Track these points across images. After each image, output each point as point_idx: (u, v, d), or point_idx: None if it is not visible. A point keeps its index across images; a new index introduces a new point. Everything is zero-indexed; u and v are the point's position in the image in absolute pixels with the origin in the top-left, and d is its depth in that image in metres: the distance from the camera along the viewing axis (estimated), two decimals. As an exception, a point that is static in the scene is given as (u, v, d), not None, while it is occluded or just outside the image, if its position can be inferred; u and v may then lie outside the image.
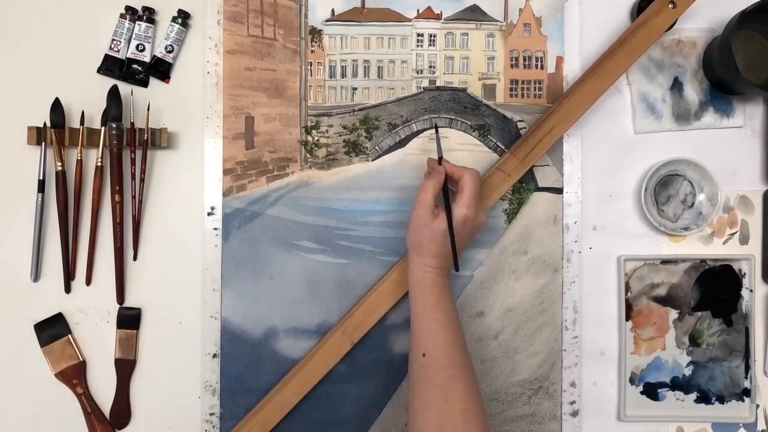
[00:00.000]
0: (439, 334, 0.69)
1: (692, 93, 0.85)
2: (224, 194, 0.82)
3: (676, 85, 0.85)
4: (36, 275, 0.81)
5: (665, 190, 0.85)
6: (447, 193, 0.72)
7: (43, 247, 0.81)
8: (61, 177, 0.79)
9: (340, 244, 0.83)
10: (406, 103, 0.85)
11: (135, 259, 0.82)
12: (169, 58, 0.82)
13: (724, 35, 0.78)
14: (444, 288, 0.72)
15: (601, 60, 0.80)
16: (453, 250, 0.70)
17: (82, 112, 0.79)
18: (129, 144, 0.79)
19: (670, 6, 0.79)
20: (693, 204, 0.84)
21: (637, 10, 0.83)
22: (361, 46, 0.85)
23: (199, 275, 0.82)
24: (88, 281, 0.81)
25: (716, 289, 0.84)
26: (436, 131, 0.79)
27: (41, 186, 0.79)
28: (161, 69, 0.82)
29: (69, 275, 0.81)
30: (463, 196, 0.71)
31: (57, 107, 0.78)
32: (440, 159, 0.75)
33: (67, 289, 0.81)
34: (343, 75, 0.85)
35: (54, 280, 0.81)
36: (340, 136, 0.84)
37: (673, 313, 0.84)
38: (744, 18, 0.76)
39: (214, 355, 0.82)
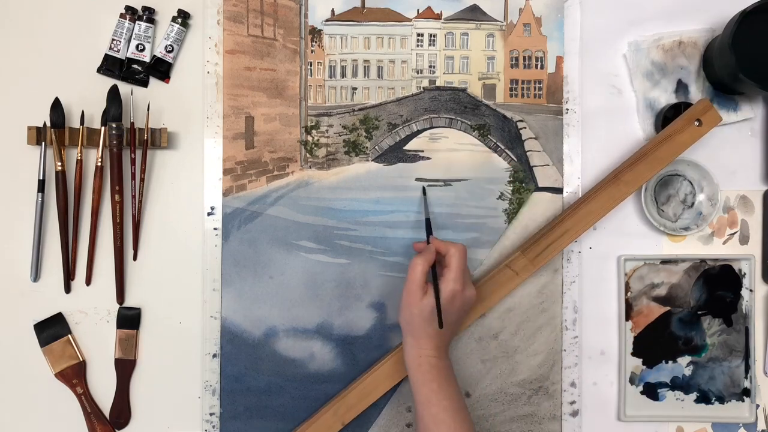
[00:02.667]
0: (449, 423, 0.68)
1: (698, 93, 0.84)
2: (224, 194, 0.82)
3: (681, 88, 0.84)
4: (36, 275, 0.81)
5: (665, 190, 0.85)
6: (434, 268, 0.72)
7: (43, 247, 0.81)
8: (61, 177, 0.79)
9: (340, 244, 0.83)
10: (406, 103, 0.85)
11: (135, 259, 0.82)
12: (169, 58, 0.82)
13: (724, 35, 0.78)
14: (445, 371, 0.71)
15: (621, 170, 0.80)
16: (438, 307, 0.70)
17: (82, 112, 0.79)
18: (129, 144, 0.79)
19: (696, 123, 0.79)
20: (693, 204, 0.84)
21: (663, 120, 0.82)
22: (361, 46, 0.85)
23: (199, 275, 0.82)
24: (88, 281, 0.81)
25: (716, 289, 0.84)
26: (424, 194, 0.79)
27: (41, 186, 0.79)
28: (161, 69, 0.82)
29: (69, 275, 0.81)
30: (450, 271, 0.71)
31: (57, 107, 0.78)
32: (429, 232, 0.75)
33: (67, 289, 0.81)
34: (343, 75, 0.85)
35: (54, 280, 0.81)
36: (340, 136, 0.84)
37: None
38: (744, 18, 0.76)
39: (214, 355, 0.82)
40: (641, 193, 0.82)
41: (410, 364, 0.72)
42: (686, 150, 0.80)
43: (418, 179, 0.83)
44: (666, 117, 0.82)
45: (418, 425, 0.71)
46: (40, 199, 0.79)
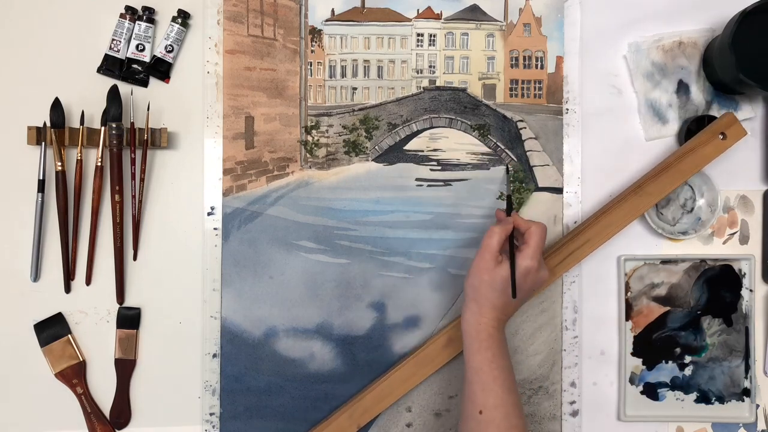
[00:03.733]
0: (498, 393, 0.68)
1: (699, 93, 0.84)
2: (224, 194, 0.82)
3: (682, 88, 0.85)
4: (36, 275, 0.81)
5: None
6: (512, 240, 0.72)
7: (43, 247, 0.81)
8: (61, 177, 0.79)
9: (340, 244, 0.83)
10: (406, 103, 0.85)
11: (135, 259, 0.82)
12: (169, 58, 0.82)
13: (724, 35, 0.78)
14: (500, 343, 0.71)
15: (644, 181, 0.80)
16: (512, 277, 0.70)
17: (82, 112, 0.79)
18: (129, 144, 0.79)
19: (720, 137, 0.79)
20: (692, 209, 0.84)
21: (686, 133, 0.83)
22: (361, 46, 0.85)
23: (199, 275, 0.82)
24: (88, 281, 0.81)
25: (716, 289, 0.84)
26: (507, 172, 0.80)
27: (41, 186, 0.79)
28: (161, 69, 0.82)
29: (69, 275, 0.81)
30: (528, 248, 0.70)
31: (57, 107, 0.78)
32: (509, 210, 0.75)
33: (67, 289, 0.81)
34: (343, 75, 0.85)
35: (54, 280, 0.81)
36: (340, 136, 0.84)
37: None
38: (744, 18, 0.76)
39: (214, 355, 0.82)
40: None
41: (468, 330, 0.71)
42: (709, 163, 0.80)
43: (418, 179, 0.83)
44: (689, 129, 0.82)
45: (465, 390, 0.71)
46: (40, 199, 0.79)
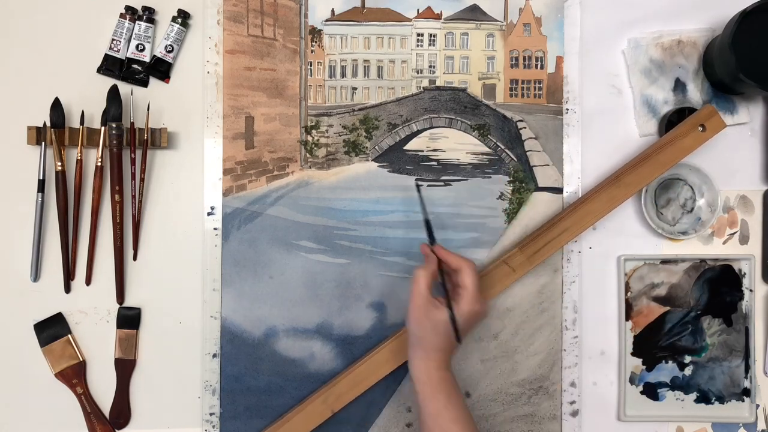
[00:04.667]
0: None
1: (696, 93, 0.84)
2: (224, 194, 0.82)
3: (679, 86, 0.85)
4: (36, 275, 0.81)
5: (665, 194, 0.85)
6: (443, 277, 0.71)
7: (43, 247, 0.81)
8: (61, 177, 0.79)
9: (340, 244, 0.83)
10: (406, 103, 0.85)
11: (135, 259, 0.82)
12: (169, 57, 0.82)
13: (724, 35, 0.78)
14: (452, 383, 0.71)
15: (622, 171, 0.80)
16: (454, 325, 0.68)
17: (82, 112, 0.79)
18: (129, 144, 0.79)
19: (699, 129, 0.79)
20: (692, 209, 0.84)
21: (666, 124, 0.83)
22: (361, 46, 0.85)
23: (199, 275, 0.82)
24: (88, 281, 0.81)
25: (716, 289, 0.84)
26: (418, 191, 0.76)
27: (41, 186, 0.79)
28: (161, 69, 0.82)
29: (69, 275, 0.81)
30: (467, 292, 0.70)
31: (57, 107, 0.78)
32: (431, 236, 0.73)
33: (67, 289, 0.81)
34: (343, 75, 0.85)
35: (54, 280, 0.81)
36: (340, 136, 0.84)
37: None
38: (744, 18, 0.76)
39: (214, 355, 0.82)
40: (641, 195, 0.82)
41: (419, 378, 0.71)
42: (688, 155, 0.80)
43: (417, 179, 0.83)
44: (670, 121, 0.82)
45: None
46: (40, 199, 0.79)
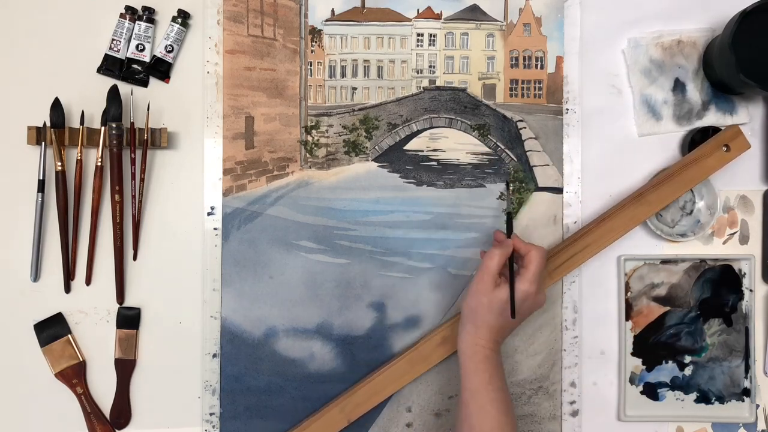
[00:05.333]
0: (494, 416, 0.69)
1: (695, 93, 0.84)
2: (224, 194, 0.82)
3: (678, 86, 0.85)
4: (36, 275, 0.81)
5: None
6: (512, 263, 0.73)
7: (43, 247, 0.81)
8: (61, 177, 0.79)
9: (340, 244, 0.83)
10: (406, 103, 0.85)
11: (135, 259, 0.82)
12: (169, 57, 0.82)
13: (724, 35, 0.78)
14: (497, 364, 0.72)
15: (645, 189, 0.80)
16: (511, 297, 0.70)
17: (82, 112, 0.79)
18: (129, 144, 0.79)
19: (723, 149, 0.80)
20: (692, 211, 0.84)
21: (690, 143, 0.83)
22: (361, 46, 0.85)
23: (199, 275, 0.82)
24: (88, 281, 0.81)
25: (716, 289, 0.84)
26: (507, 187, 0.80)
27: (41, 186, 0.79)
28: (161, 69, 0.82)
29: (69, 275, 0.81)
30: (528, 272, 0.71)
31: (57, 107, 0.78)
32: (509, 230, 0.75)
33: (67, 289, 0.81)
34: (343, 75, 0.85)
35: (54, 280, 0.81)
36: (340, 136, 0.84)
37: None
38: (744, 18, 0.76)
39: (214, 355, 0.82)
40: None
41: (465, 351, 0.72)
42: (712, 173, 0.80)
43: (415, 181, 0.83)
44: (693, 140, 0.83)
45: (461, 412, 0.71)
46: (39, 199, 0.79)
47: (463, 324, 0.73)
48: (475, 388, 0.70)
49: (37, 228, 0.80)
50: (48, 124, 0.78)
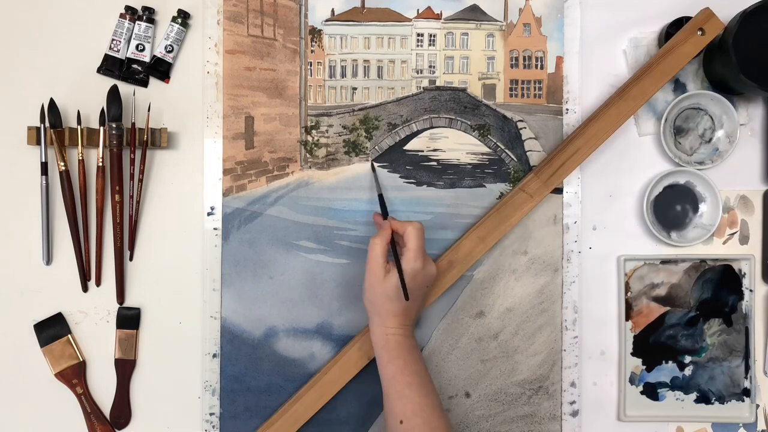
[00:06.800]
0: (415, 399, 0.69)
1: (695, 92, 0.84)
2: (224, 194, 0.82)
3: (679, 86, 0.85)
4: (45, 273, 0.81)
5: (685, 124, 0.84)
6: (394, 246, 0.73)
7: (52, 247, 0.81)
8: (66, 177, 0.79)
9: (340, 244, 0.83)
10: (406, 103, 0.85)
11: (131, 259, 0.82)
12: (168, 58, 0.82)
13: (724, 35, 0.78)
14: (411, 349, 0.72)
15: (627, 85, 0.81)
16: (401, 281, 0.70)
17: (78, 112, 0.79)
18: (129, 144, 0.79)
19: (698, 33, 0.80)
20: (711, 140, 0.84)
21: (665, 36, 0.83)
22: (361, 46, 0.85)
23: (198, 275, 0.82)
24: (98, 282, 0.81)
25: (716, 289, 0.84)
26: (373, 169, 0.79)
27: (45, 189, 0.79)
28: (161, 69, 0.82)
29: (85, 275, 0.81)
30: (409, 251, 0.72)
31: (53, 107, 0.78)
32: (384, 210, 0.76)
33: (85, 289, 0.81)
34: (343, 75, 0.85)
35: (54, 279, 0.81)
36: (340, 136, 0.84)
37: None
38: (744, 18, 0.76)
39: (214, 355, 0.82)
40: (660, 124, 0.82)
41: (376, 343, 0.73)
42: (689, 60, 0.80)
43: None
44: (668, 33, 0.82)
45: (384, 404, 0.72)
46: (45, 199, 0.79)
47: (370, 317, 0.74)
48: (391, 376, 0.71)
49: (45, 226, 0.80)
50: (47, 124, 0.78)
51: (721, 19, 0.81)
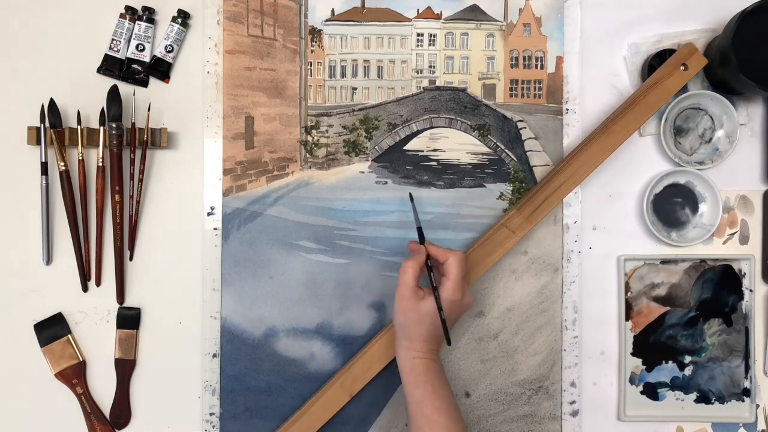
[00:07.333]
0: (443, 424, 0.69)
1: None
2: (224, 194, 0.82)
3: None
4: (45, 273, 0.80)
5: (685, 124, 0.84)
6: (430, 272, 0.72)
7: (50, 246, 0.81)
8: (66, 177, 0.79)
9: (340, 244, 0.83)
10: (406, 103, 0.85)
11: (131, 259, 0.82)
12: (168, 58, 0.82)
13: (724, 35, 0.78)
14: (438, 373, 0.72)
15: (610, 120, 0.81)
16: (444, 328, 0.70)
17: (78, 112, 0.79)
18: (129, 144, 0.79)
19: (681, 68, 0.80)
20: (711, 139, 0.84)
21: (648, 68, 0.83)
22: (361, 46, 0.85)
23: (198, 275, 0.82)
24: (98, 282, 0.81)
25: (716, 289, 0.84)
26: (411, 201, 0.77)
27: (45, 189, 0.79)
28: (161, 69, 0.82)
29: (85, 276, 0.81)
30: (449, 281, 0.70)
31: (53, 107, 0.78)
32: (422, 240, 0.75)
33: (85, 289, 0.81)
34: (343, 75, 0.85)
35: (54, 279, 0.81)
36: (340, 136, 0.84)
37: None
38: (744, 18, 0.76)
39: (214, 355, 0.82)
40: (661, 124, 0.81)
41: (404, 366, 0.72)
42: (670, 97, 0.81)
43: (416, 182, 0.84)
44: (651, 65, 0.82)
45: (410, 426, 0.71)
46: (45, 199, 0.79)
47: (398, 340, 0.73)
48: (419, 400, 0.70)
49: (45, 226, 0.80)
50: (47, 125, 0.78)
51: (721, 19, 0.81)
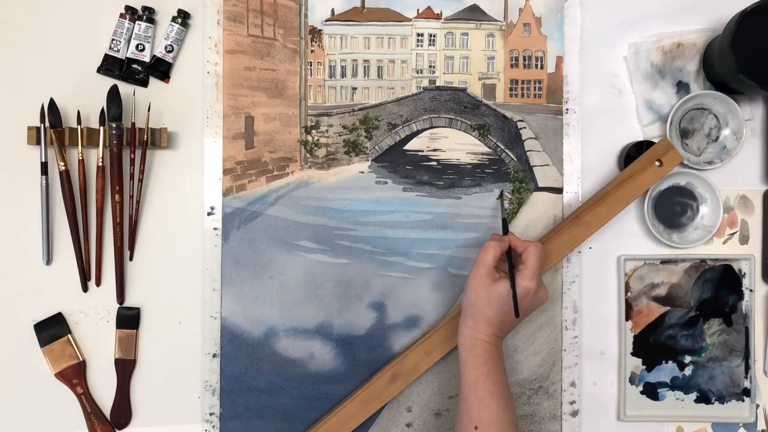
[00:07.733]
0: (493, 409, 0.69)
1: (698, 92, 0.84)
2: (224, 194, 0.82)
3: (682, 88, 0.85)
4: (45, 273, 0.80)
5: (690, 125, 0.84)
6: (510, 257, 0.72)
7: (45, 246, 0.81)
8: (66, 177, 0.79)
9: (340, 244, 0.83)
10: (406, 103, 0.85)
11: (131, 259, 0.82)
12: (168, 57, 0.82)
13: (724, 35, 0.78)
14: (497, 358, 0.71)
15: (581, 211, 0.80)
16: (514, 300, 0.70)
17: (78, 112, 0.79)
18: (129, 144, 0.79)
19: (656, 164, 0.79)
20: (718, 138, 0.84)
21: (625, 159, 0.83)
22: (361, 45, 0.85)
23: (198, 275, 0.82)
24: (98, 282, 0.81)
25: (716, 289, 0.84)
26: (501, 200, 0.79)
27: (45, 189, 0.79)
28: (161, 69, 0.82)
29: (85, 275, 0.81)
30: (527, 269, 0.71)
31: (53, 107, 0.78)
32: (505, 232, 0.75)
33: (85, 289, 0.81)
34: (343, 75, 0.85)
35: (53, 279, 0.81)
36: (339, 136, 0.84)
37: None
38: (744, 18, 0.76)
39: (214, 355, 0.82)
40: (666, 127, 0.81)
41: (464, 344, 0.72)
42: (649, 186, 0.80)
43: (419, 182, 0.84)
44: (628, 155, 0.82)
45: (460, 406, 0.71)
46: (45, 199, 0.79)
47: (463, 318, 0.73)
48: (474, 380, 0.70)
49: (45, 226, 0.80)
50: (47, 125, 0.78)
51: (721, 19, 0.81)
